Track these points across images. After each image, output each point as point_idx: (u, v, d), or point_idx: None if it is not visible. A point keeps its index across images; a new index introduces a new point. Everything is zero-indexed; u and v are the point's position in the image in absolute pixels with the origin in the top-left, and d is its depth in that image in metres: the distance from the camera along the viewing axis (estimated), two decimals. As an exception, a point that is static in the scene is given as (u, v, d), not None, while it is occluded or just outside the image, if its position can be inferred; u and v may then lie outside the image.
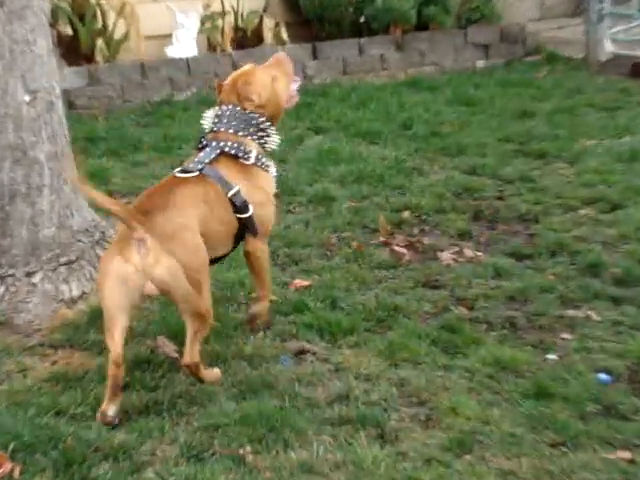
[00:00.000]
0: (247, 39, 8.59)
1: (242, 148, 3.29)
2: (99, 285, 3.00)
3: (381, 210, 4.97)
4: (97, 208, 4.12)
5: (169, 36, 8.18)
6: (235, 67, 8.19)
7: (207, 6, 8.32)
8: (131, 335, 3.43)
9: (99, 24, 7.81)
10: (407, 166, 5.78)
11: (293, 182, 5.32)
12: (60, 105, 3.88)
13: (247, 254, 3.40)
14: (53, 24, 7.13)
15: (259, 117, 3.36)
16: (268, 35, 8.66)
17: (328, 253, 4.42)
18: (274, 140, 3.42)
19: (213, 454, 2.75)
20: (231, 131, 3.32)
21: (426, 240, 4.58)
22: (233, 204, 3.21)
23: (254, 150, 3.32)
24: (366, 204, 5.11)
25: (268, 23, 8.66)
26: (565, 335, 3.54)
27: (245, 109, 3.34)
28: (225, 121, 3.33)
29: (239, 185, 3.23)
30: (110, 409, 2.92)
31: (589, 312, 3.72)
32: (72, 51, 7.70)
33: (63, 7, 7.55)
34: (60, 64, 6.81)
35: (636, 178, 5.32)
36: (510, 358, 3.28)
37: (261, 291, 3.49)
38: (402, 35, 8.98)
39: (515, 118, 6.95)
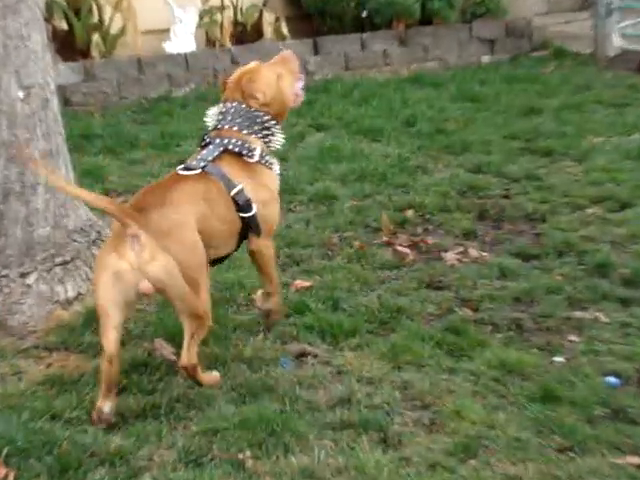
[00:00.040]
0: (246, 34, 8.60)
1: (246, 146, 3.30)
2: (94, 282, 3.01)
3: (384, 209, 4.97)
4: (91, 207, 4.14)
5: (167, 31, 8.19)
6: (234, 63, 8.22)
7: (206, 0, 8.33)
8: (128, 337, 3.44)
9: (95, 18, 7.82)
10: (410, 164, 5.78)
11: (294, 180, 5.32)
12: (55, 101, 3.88)
13: (252, 253, 3.40)
14: (48, 18, 7.15)
15: (264, 115, 3.37)
16: (268, 30, 8.67)
17: (330, 253, 4.41)
18: (279, 139, 3.43)
19: (212, 459, 2.74)
20: (235, 128, 3.33)
21: (430, 240, 4.58)
22: (236, 203, 3.22)
23: (258, 148, 3.33)
24: (368, 203, 5.11)
25: (268, 17, 8.67)
26: (572, 337, 3.54)
27: (250, 107, 3.35)
28: (229, 118, 3.34)
29: (242, 183, 3.24)
30: (106, 405, 2.93)
31: (597, 313, 3.71)
32: (67, 46, 7.70)
33: (58, 1, 7.56)
34: (55, 59, 6.81)
35: (645, 176, 5.32)
36: (516, 361, 3.28)
37: (270, 287, 3.49)
38: (405, 30, 8.98)
39: (521, 115, 6.95)
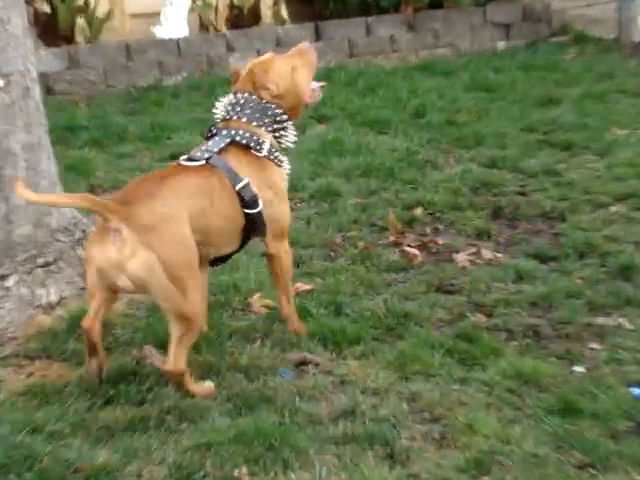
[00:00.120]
0: (243, 18, 8.61)
1: (255, 138, 3.31)
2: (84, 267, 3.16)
3: (391, 207, 4.97)
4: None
5: (157, 14, 8.20)
6: (230, 49, 8.24)
7: (199, -19, 8.34)
8: (115, 344, 3.45)
9: (80, 1, 7.83)
10: (419, 158, 5.78)
11: (294, 176, 5.29)
12: (37, 90, 3.88)
13: (270, 257, 3.44)
14: (29, 1, 7.15)
15: (276, 108, 3.38)
16: (266, 13, 8.68)
17: (332, 254, 4.42)
18: (291, 136, 3.44)
19: (205, 476, 2.74)
20: (244, 120, 3.34)
21: (440, 240, 4.59)
22: (241, 198, 3.23)
23: (267, 142, 3.34)
24: (374, 200, 5.12)
25: (267, 0, 8.67)
26: (594, 345, 3.54)
27: (261, 98, 3.36)
28: (239, 109, 3.36)
29: (249, 178, 3.25)
30: (93, 362, 3.14)
31: (620, 319, 3.71)
32: (50, 31, 7.72)
33: (40, -18, 7.58)
34: (37, 45, 6.83)
35: (673, 172, 5.32)
36: (533, 370, 3.28)
37: (282, 298, 3.51)
38: (414, 14, 8.99)
39: (539, 105, 6.95)
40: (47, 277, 3.76)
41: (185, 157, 3.27)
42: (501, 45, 9.29)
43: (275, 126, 3.38)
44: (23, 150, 3.74)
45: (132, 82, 7.71)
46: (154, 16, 8.19)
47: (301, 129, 6.34)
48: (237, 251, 3.41)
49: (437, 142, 6.13)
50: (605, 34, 9.13)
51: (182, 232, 3.01)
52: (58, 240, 3.86)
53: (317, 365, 3.37)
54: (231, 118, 3.36)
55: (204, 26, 8.50)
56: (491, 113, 6.78)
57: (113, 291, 3.07)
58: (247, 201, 3.23)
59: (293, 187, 5.17)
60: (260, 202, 3.26)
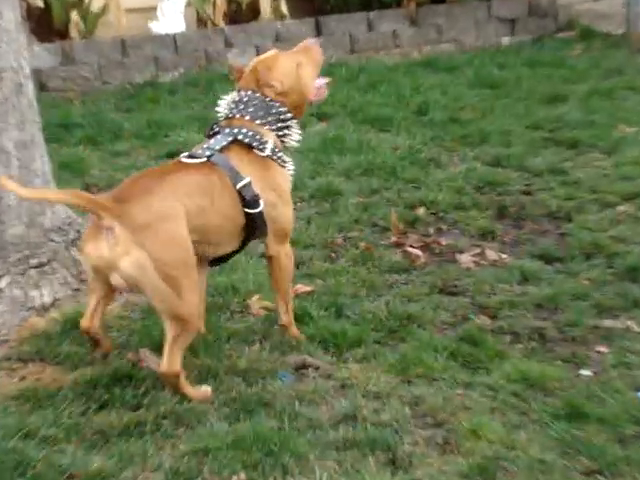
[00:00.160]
0: (241, 13, 8.61)
1: (257, 137, 3.32)
2: None
3: (393, 206, 4.97)
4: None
5: (153, 9, 8.20)
6: (228, 45, 8.24)
7: (196, -25, 8.35)
8: (110, 347, 3.44)
9: (74, -5, 7.83)
10: (422, 157, 5.78)
11: (294, 175, 5.32)
12: (30, 87, 3.88)
13: (270, 259, 3.44)
14: (22, -5, 7.15)
15: (280, 107, 3.38)
16: (265, 8, 8.68)
17: (333, 255, 4.42)
18: (295, 135, 3.45)
19: (202, 482, 2.75)
20: (247, 118, 3.35)
21: (443, 240, 4.59)
22: (242, 197, 3.23)
23: (270, 141, 3.34)
24: (376, 200, 5.12)
25: (266, -6, 8.68)
26: (601, 348, 3.54)
27: (265, 96, 3.37)
28: (242, 107, 3.36)
29: (250, 177, 3.25)
30: (97, 352, 3.35)
31: (628, 322, 3.72)
32: (43, 26, 7.72)
33: (33, -24, 7.58)
34: (30, 40, 6.82)
35: (682, 170, 5.33)
36: (538, 374, 3.28)
37: (280, 303, 3.50)
38: (417, 8, 8.99)
39: (545, 102, 6.95)
40: (41, 278, 3.76)
41: (186, 154, 3.28)
42: (506, 41, 9.29)
43: (279, 125, 3.38)
44: (16, 148, 3.74)
45: (128, 78, 7.71)
46: (150, 11, 8.19)
47: (301, 127, 6.34)
48: (238, 251, 3.42)
49: (440, 140, 6.13)
50: (613, 29, 9.13)
51: (177, 231, 3.01)
52: (52, 240, 3.86)
53: (317, 368, 3.37)
54: (234, 116, 3.37)
55: (202, 21, 8.50)
56: (496, 110, 6.78)
57: (110, 288, 3.11)
58: (248, 200, 3.24)
59: (293, 186, 5.14)
60: (261, 202, 3.26)
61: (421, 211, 4.93)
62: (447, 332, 3.67)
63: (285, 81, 3.39)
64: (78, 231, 3.96)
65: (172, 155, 5.27)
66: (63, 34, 7.79)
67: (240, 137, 3.30)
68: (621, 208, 4.91)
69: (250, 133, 3.31)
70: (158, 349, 3.33)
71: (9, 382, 3.32)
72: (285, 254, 3.44)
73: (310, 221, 4.78)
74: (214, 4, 8.39)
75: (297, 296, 3.83)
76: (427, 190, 5.20)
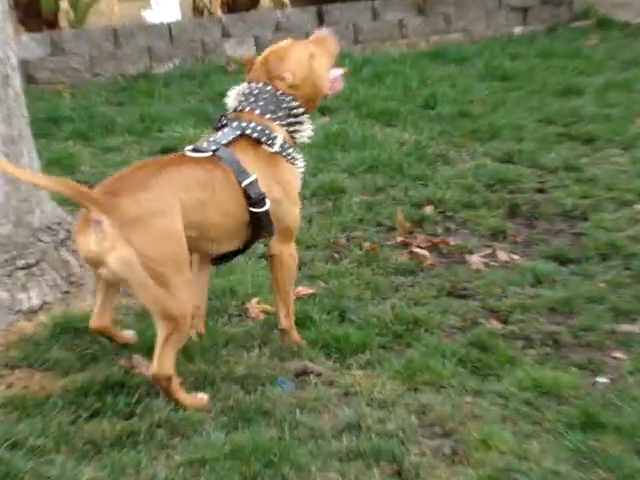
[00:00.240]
0: (240, 1, 8.62)
1: (267, 132, 3.33)
2: None
3: (399, 205, 4.98)
4: (61, 200, 4.14)
5: (147, -3, 8.21)
6: (225, 35, 8.25)
7: (192, -38, 8.36)
8: (101, 352, 3.45)
9: (64, -17, 7.84)
10: (430, 153, 5.79)
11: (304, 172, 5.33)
12: (17, 79, 3.89)
13: (271, 258, 3.45)
14: (9, -17, 7.16)
15: (291, 100, 3.39)
16: (265, -4, 8.68)
17: (336, 255, 4.42)
18: (307, 130, 3.45)
19: (198, 494, 2.76)
20: (257, 112, 3.35)
21: (452, 240, 4.59)
22: (247, 195, 3.24)
23: (280, 137, 3.35)
24: (381, 198, 5.12)
25: (265, -18, 8.69)
26: (618, 354, 3.54)
27: (276, 89, 3.37)
28: (252, 100, 3.37)
29: (257, 174, 3.26)
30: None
31: (646, 327, 3.73)
32: (32, 15, 7.73)
33: (21, -37, 7.59)
34: (17, 30, 6.84)
35: (703, 167, 5.33)
36: (552, 381, 3.28)
37: (281, 305, 3.50)
38: (424, -4, 8.99)
39: (559, 95, 6.95)
40: (28, 280, 3.76)
41: (191, 148, 3.29)
42: (518, 30, 9.30)
43: (290, 120, 3.39)
44: (3, 143, 3.74)
45: (120, 70, 7.72)
46: (144, -1, 8.20)
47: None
48: (243, 250, 3.43)
49: (449, 135, 6.14)
50: (631, 18, 9.14)
51: (169, 226, 3.02)
52: (40, 240, 3.86)
53: (319, 375, 3.37)
54: (243, 109, 3.37)
55: (198, 10, 8.51)
56: (507, 104, 6.78)
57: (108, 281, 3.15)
58: (253, 199, 3.25)
59: (294, 183, 5.19)
60: (267, 201, 3.27)
61: (428, 210, 4.94)
62: (456, 337, 3.67)
63: (297, 73, 3.39)
64: (68, 231, 3.96)
65: (167, 151, 5.29)
66: (52, 23, 7.80)
67: (248, 132, 3.31)
68: (639, 206, 4.91)
69: (259, 128, 3.32)
70: (152, 355, 3.33)
71: (-5, 389, 3.33)
72: (289, 254, 3.45)
73: (312, 220, 4.79)
74: (211, -8, 8.39)
75: (298, 299, 3.84)
76: (435, 188, 5.20)
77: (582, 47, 8.45)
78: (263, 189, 3.27)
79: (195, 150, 3.27)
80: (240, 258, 4.02)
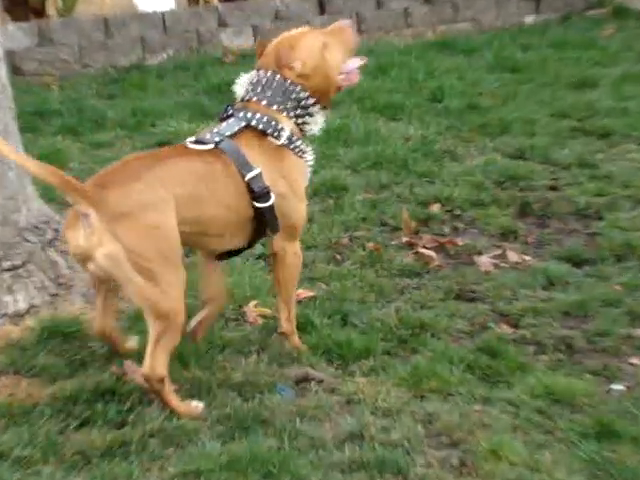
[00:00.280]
0: (237, -12, 8.61)
1: (273, 124, 3.33)
2: None
3: (404, 203, 4.98)
4: (49, 197, 4.15)
5: (139, -15, 8.21)
6: (221, 24, 8.25)
7: (187, -53, 8.36)
8: (91, 358, 3.45)
9: (52, -30, 7.84)
10: (436, 148, 5.79)
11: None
12: (3, 70, 3.89)
13: (275, 257, 3.46)
14: (-6, -30, 7.17)
15: (301, 91, 3.39)
16: (263, -17, 8.68)
17: (338, 256, 4.42)
18: (317, 122, 3.45)
19: (193, 507, 2.76)
20: (264, 102, 3.36)
21: (460, 241, 4.59)
22: (251, 189, 3.25)
23: (287, 129, 3.36)
24: (385, 195, 5.12)
25: (263, -32, 8.69)
26: (634, 360, 3.55)
27: (285, 78, 3.38)
28: (259, 90, 3.38)
29: (261, 168, 3.27)
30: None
31: (665, 331, 3.73)
32: (18, 3, 7.73)
33: (7, -52, 7.59)
34: (3, 19, 6.84)
35: None
36: (565, 388, 3.28)
37: (284, 311, 3.51)
38: (431, -16, 8.99)
39: (572, 88, 6.95)
40: (14, 282, 3.77)
41: (193, 139, 3.30)
42: (530, 19, 9.30)
43: (298, 111, 3.39)
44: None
45: (111, 61, 7.73)
46: (136, -13, 8.20)
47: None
48: (248, 247, 3.45)
49: (457, 130, 6.14)
50: (648, 7, 9.13)
51: (160, 221, 3.03)
52: (27, 240, 3.86)
53: (320, 382, 3.37)
54: (250, 99, 3.38)
55: (193, -2, 8.51)
56: (518, 97, 6.78)
57: (100, 278, 3.18)
58: (257, 193, 3.26)
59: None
60: (272, 195, 3.28)
61: (435, 208, 4.94)
62: (464, 342, 3.67)
63: (308, 62, 3.39)
64: (56, 230, 3.97)
65: (161, 146, 5.27)
66: (39, 12, 7.81)
67: (254, 123, 3.32)
68: (657, 205, 4.92)
69: (265, 119, 3.32)
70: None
71: (-20, 397, 3.33)
72: (293, 252, 3.46)
73: (312, 219, 4.78)
74: (206, -21, 8.40)
75: (298, 302, 3.83)
76: (442, 185, 5.20)
77: (597, 37, 8.45)
78: (268, 183, 3.28)
79: (197, 142, 3.28)
80: (237, 259, 4.03)
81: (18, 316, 3.73)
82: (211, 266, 3.50)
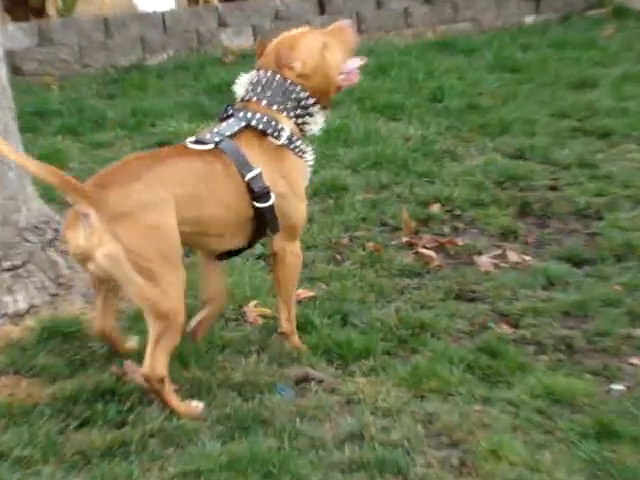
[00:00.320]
0: (237, -12, 8.61)
1: (273, 124, 3.33)
2: None
3: (404, 203, 4.98)
4: (49, 197, 4.15)
5: (139, -15, 8.21)
6: (222, 24, 8.25)
7: (187, -53, 8.36)
8: (91, 358, 3.45)
9: (52, -30, 7.84)
10: (436, 148, 5.78)
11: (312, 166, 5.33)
12: (3, 70, 3.89)
13: (275, 257, 3.47)
14: (-6, -30, 7.17)
15: (301, 91, 3.39)
16: (263, -17, 8.68)
17: (337, 256, 4.42)
18: (317, 122, 3.45)
19: (193, 507, 2.76)
20: (264, 102, 3.37)
21: (460, 241, 4.59)
22: (250, 189, 3.26)
23: (287, 129, 3.36)
24: (385, 195, 5.12)
25: (263, -32, 8.69)
26: (634, 360, 3.55)
27: (285, 78, 3.38)
28: (259, 90, 3.38)
29: (261, 168, 3.27)
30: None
31: (665, 331, 3.73)
32: (18, 3, 7.73)
33: (7, -52, 7.59)
34: (3, 19, 6.84)
35: None
36: (565, 388, 3.28)
37: (283, 311, 3.51)
38: (431, -16, 8.99)
39: (573, 88, 6.95)
40: (15, 282, 3.77)
41: (192, 139, 3.31)
42: (530, 19, 9.29)
43: (298, 111, 3.40)
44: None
45: (111, 61, 7.73)
46: (136, -13, 8.20)
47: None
48: (249, 247, 3.45)
49: (457, 130, 6.14)
50: (648, 7, 9.13)
51: (160, 221, 3.04)
52: (27, 240, 3.86)
53: (320, 382, 3.37)
54: (250, 99, 3.39)
55: (193, -2, 8.51)
56: (518, 97, 6.78)
57: (100, 278, 3.19)
58: (257, 193, 3.26)
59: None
60: (272, 195, 3.28)
61: (435, 208, 4.94)
62: (464, 342, 3.67)
63: (308, 62, 3.39)
64: (56, 230, 3.97)
65: (161, 146, 5.27)
66: (39, 12, 7.80)
67: (254, 123, 3.32)
68: (657, 205, 4.92)
69: (265, 119, 3.33)
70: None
71: (-20, 397, 3.33)
72: (292, 252, 3.46)
73: (312, 219, 4.78)
74: (206, -21, 8.40)
75: (298, 302, 3.83)
76: (442, 185, 5.20)
77: (597, 37, 8.45)
78: (268, 183, 3.28)
79: (197, 142, 3.29)
80: (237, 259, 4.03)
81: (18, 316, 3.73)
82: (211, 266, 3.51)
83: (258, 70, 3.43)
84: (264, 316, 3.79)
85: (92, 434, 3.05)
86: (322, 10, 8.60)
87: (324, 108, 3.47)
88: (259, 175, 3.26)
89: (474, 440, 3.02)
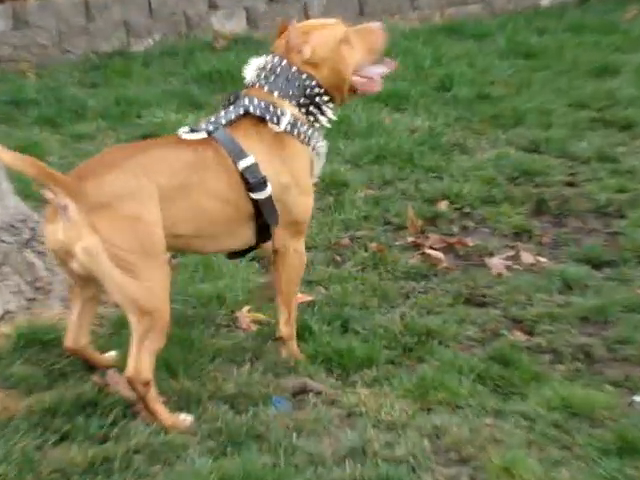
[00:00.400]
0: (229, -32, 8.61)
1: (271, 110, 3.34)
2: None
3: (409, 200, 4.98)
4: (26, 194, 4.15)
5: (123, -36, 8.20)
6: (212, 7, 8.25)
7: None
8: (72, 368, 3.45)
9: (29, -53, 7.84)
10: (445, 141, 5.79)
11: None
12: (-24, 57, 3.90)
13: (276, 254, 3.47)
14: (-34, -53, 7.17)
15: (307, 79, 3.39)
16: (257, -37, 8.68)
17: (338, 258, 4.43)
18: (326, 115, 3.47)
19: (182, 528, 2.77)
20: (266, 89, 3.38)
21: (470, 241, 4.59)
22: (245, 179, 3.26)
23: (288, 113, 3.36)
24: (389, 192, 5.12)
25: (257, -54, 8.68)
26: (658, 370, 3.56)
27: (291, 64, 3.39)
28: (264, 75, 3.41)
29: (258, 156, 3.28)
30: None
31: (691, 339, 3.73)
32: (-8, -16, 7.72)
33: None
34: (-24, 1, 6.83)
35: None
36: (584, 401, 3.28)
37: (283, 313, 3.53)
38: (439, -37, 9.00)
39: (592, 76, 6.96)
40: (-12, 286, 3.77)
41: (187, 129, 3.34)
42: (546, 1, 9.30)
43: (303, 100, 3.40)
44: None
45: (93, 47, 7.72)
46: (120, -34, 8.20)
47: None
48: (255, 246, 3.46)
49: (466, 121, 6.14)
50: (674, -13, 9.14)
51: (139, 211, 3.06)
52: (2, 240, 3.86)
53: (319, 394, 3.37)
54: (254, 85, 3.41)
55: (181, -22, 8.50)
56: (533, 85, 6.78)
57: (93, 288, 3.21)
58: (252, 183, 3.26)
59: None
60: (269, 185, 3.29)
61: (443, 206, 4.94)
62: (474, 350, 3.67)
63: (318, 50, 3.41)
64: (33, 229, 3.97)
65: (147, 138, 5.27)
66: (15, -7, 7.80)
67: (251, 109, 3.34)
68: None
69: (263, 105, 3.34)
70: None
71: (-49, 409, 3.34)
72: (295, 250, 3.46)
73: (311, 218, 4.78)
74: (196, -42, 8.40)
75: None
76: (450, 181, 5.20)
77: (618, 20, 8.46)
78: (268, 173, 3.28)
79: (191, 131, 3.31)
80: (226, 262, 4.04)
81: (-8, 322, 3.74)
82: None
83: (269, 55, 3.45)
84: (258, 322, 3.80)
85: (72, 450, 3.05)
86: (321, -9, 8.60)
87: (331, 101, 3.47)
88: (255, 164, 3.27)
89: (485, 456, 3.03)
